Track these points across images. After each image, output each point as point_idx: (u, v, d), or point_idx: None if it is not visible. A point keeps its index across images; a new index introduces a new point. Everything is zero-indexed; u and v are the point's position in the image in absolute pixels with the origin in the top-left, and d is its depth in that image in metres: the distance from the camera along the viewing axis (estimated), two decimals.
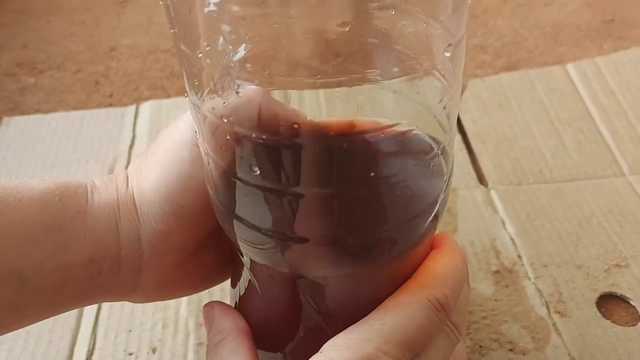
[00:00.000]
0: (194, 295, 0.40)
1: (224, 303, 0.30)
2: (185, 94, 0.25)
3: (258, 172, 0.23)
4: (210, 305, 0.29)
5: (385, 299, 0.26)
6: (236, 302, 0.31)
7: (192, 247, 0.29)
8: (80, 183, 0.27)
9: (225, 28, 0.22)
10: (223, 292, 0.40)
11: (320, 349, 0.25)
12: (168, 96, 0.61)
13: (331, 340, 0.25)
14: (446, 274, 0.26)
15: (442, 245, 0.28)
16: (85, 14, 0.76)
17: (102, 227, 0.26)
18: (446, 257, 0.27)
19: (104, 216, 0.27)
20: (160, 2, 0.24)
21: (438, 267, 0.26)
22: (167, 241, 0.28)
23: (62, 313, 0.28)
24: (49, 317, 0.27)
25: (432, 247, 0.28)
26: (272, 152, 0.23)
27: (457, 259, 0.27)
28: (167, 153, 0.28)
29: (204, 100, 0.24)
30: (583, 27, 0.67)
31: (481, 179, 0.49)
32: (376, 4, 0.22)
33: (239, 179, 0.24)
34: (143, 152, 0.30)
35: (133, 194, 0.27)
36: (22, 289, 0.25)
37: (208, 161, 0.25)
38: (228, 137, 0.23)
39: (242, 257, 0.28)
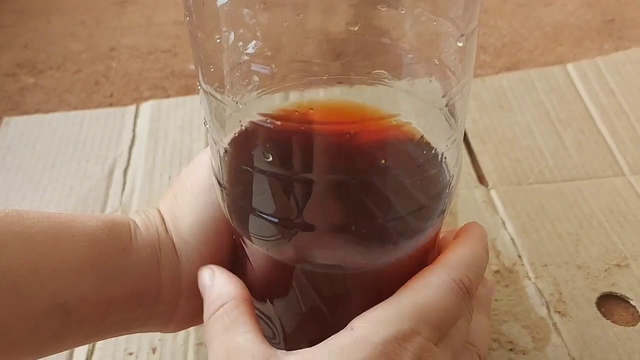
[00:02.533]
0: None
1: (223, 268, 0.29)
2: (198, 84, 0.25)
3: (270, 158, 0.23)
4: (209, 268, 0.28)
5: (389, 294, 0.26)
6: None
7: None
8: (123, 221, 0.29)
9: (236, 23, 0.22)
10: None
11: (350, 325, 0.24)
12: (168, 96, 0.61)
13: (361, 316, 0.24)
14: (470, 258, 0.26)
15: (468, 231, 0.28)
16: (85, 14, 0.76)
17: (145, 265, 0.28)
18: (470, 243, 0.27)
19: (147, 256, 0.28)
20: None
21: (463, 251, 0.27)
22: None
23: (99, 340, 0.30)
24: (87, 343, 0.30)
25: (456, 234, 0.28)
26: (286, 138, 0.23)
27: (481, 245, 0.27)
28: (198, 197, 0.29)
29: (217, 88, 0.24)
30: (583, 27, 0.67)
31: (481, 179, 0.49)
32: (385, 2, 0.22)
33: (250, 166, 0.24)
34: (169, 191, 0.31)
35: (172, 237, 0.29)
36: (65, 320, 0.26)
37: (218, 151, 0.25)
38: (241, 124, 0.24)
39: (247, 248, 0.28)
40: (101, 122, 0.57)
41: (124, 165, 0.52)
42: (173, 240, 0.29)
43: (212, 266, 0.28)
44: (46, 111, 0.60)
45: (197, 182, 0.30)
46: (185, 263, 0.29)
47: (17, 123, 0.58)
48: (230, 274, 0.28)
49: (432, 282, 0.25)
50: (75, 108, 0.60)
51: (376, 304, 0.26)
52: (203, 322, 0.33)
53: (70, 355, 0.38)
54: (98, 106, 0.60)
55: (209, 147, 0.28)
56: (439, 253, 0.30)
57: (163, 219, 0.30)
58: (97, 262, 0.26)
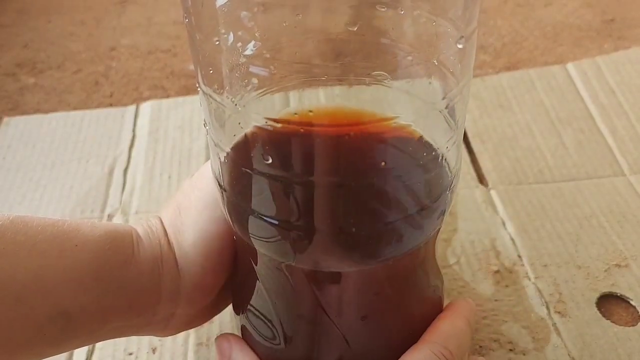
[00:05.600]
0: None
1: (239, 337, 0.31)
2: (197, 85, 0.25)
3: (270, 160, 0.23)
4: (226, 339, 0.31)
5: (391, 297, 0.27)
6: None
7: (221, 290, 0.31)
8: (126, 232, 0.29)
9: (235, 24, 0.22)
10: None
11: None
12: (168, 96, 0.61)
13: None
14: (448, 331, 0.29)
15: (451, 307, 0.31)
16: (85, 14, 0.76)
17: (145, 279, 0.28)
18: (450, 317, 0.30)
19: (148, 269, 0.28)
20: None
21: (442, 326, 0.29)
22: (204, 292, 0.30)
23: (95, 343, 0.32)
24: (83, 346, 0.31)
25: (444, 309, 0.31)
26: (286, 140, 0.23)
27: (461, 318, 0.30)
28: (202, 212, 0.30)
29: (216, 89, 0.24)
30: (583, 27, 0.67)
31: (481, 179, 0.49)
32: (385, 3, 0.22)
33: (250, 168, 0.24)
34: (171, 202, 0.31)
35: (174, 251, 0.29)
36: (65, 327, 0.26)
37: (218, 153, 0.25)
38: (241, 126, 0.24)
39: (246, 250, 0.28)
40: (101, 122, 0.57)
41: (123, 165, 0.52)
42: (175, 254, 0.29)
43: (228, 335, 0.30)
44: (46, 111, 0.60)
45: (202, 197, 0.30)
46: (186, 277, 0.29)
47: (17, 123, 0.58)
48: (245, 346, 0.30)
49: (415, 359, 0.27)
50: (75, 108, 0.60)
51: (376, 302, 0.27)
52: (199, 325, 0.33)
53: (70, 355, 0.38)
54: (98, 106, 0.60)
55: (207, 165, 0.29)
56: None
57: (166, 232, 0.30)
58: (98, 273, 0.27)
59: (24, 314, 0.25)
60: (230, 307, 0.33)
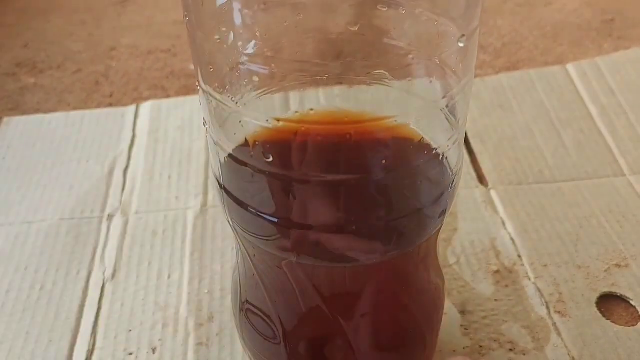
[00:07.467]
0: (194, 295, 0.40)
1: None
2: (197, 84, 0.25)
3: (271, 159, 0.23)
4: None
5: (392, 295, 0.26)
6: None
7: None
8: None
9: (236, 23, 0.22)
10: (223, 291, 0.40)
11: None
12: (168, 96, 0.61)
13: None
14: None
15: None
16: (85, 14, 0.76)
17: None
18: None
19: None
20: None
21: None
22: None
23: None
24: None
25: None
26: (287, 139, 0.23)
27: None
28: None
29: (217, 88, 0.24)
30: (583, 27, 0.67)
31: (481, 179, 0.49)
32: (386, 2, 0.22)
33: (250, 167, 0.24)
34: None
35: None
36: None
37: (218, 152, 0.26)
38: (241, 125, 0.24)
39: (246, 249, 0.28)
40: (101, 122, 0.57)
41: (124, 165, 0.52)
42: None
43: None
44: (46, 111, 0.60)
45: None
46: None
47: (17, 123, 0.58)
48: None
49: None
50: (75, 108, 0.60)
51: (377, 300, 0.26)
52: None
53: (70, 355, 0.38)
54: (98, 106, 0.60)
55: None
56: None
57: None
58: None
59: None
60: (230, 306, 0.33)
